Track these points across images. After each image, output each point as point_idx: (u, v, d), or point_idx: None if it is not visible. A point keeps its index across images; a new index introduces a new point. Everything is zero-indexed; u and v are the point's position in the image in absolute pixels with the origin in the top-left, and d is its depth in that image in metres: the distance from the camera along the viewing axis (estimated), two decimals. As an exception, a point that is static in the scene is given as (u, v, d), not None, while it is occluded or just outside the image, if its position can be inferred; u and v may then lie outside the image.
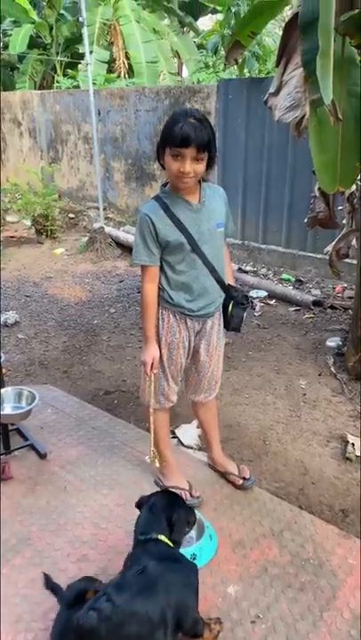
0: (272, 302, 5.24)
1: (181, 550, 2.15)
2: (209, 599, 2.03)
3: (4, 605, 1.98)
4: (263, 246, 6.25)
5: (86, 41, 6.70)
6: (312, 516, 2.48)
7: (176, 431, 3.17)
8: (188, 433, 3.19)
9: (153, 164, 7.22)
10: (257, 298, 5.24)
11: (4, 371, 3.90)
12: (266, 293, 5.33)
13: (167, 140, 2.00)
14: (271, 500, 2.56)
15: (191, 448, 3.08)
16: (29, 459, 2.82)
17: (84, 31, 6.64)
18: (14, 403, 2.72)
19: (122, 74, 12.13)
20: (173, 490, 2.48)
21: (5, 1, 12.52)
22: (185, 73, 15.01)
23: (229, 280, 2.43)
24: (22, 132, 9.19)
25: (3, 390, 2.70)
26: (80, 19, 6.56)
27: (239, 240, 6.41)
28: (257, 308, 5.01)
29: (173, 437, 3.13)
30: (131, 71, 12.01)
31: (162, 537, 1.80)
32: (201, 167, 2.04)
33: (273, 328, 4.68)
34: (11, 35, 12.43)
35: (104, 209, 7.58)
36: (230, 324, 2.43)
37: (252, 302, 2.50)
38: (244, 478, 2.63)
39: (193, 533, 2.30)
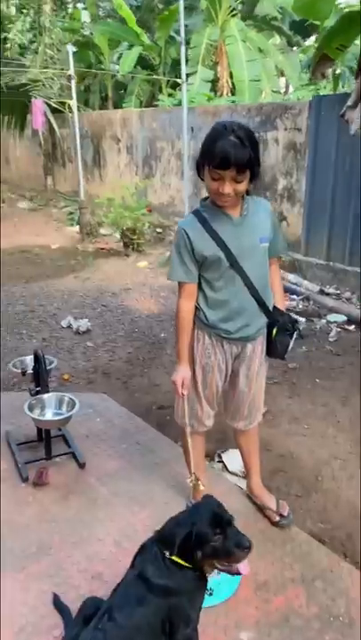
0: (351, 328, 4.92)
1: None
2: (219, 642, 1.88)
3: (12, 612, 1.97)
4: (349, 268, 5.92)
5: (183, 59, 6.82)
6: (352, 568, 2.23)
7: (223, 455, 3.04)
8: (235, 459, 3.03)
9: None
10: (334, 322, 4.95)
11: (66, 376, 4.03)
12: (345, 318, 5.02)
13: (206, 159, 1.91)
14: (308, 543, 2.35)
15: (236, 475, 2.93)
16: (68, 466, 2.83)
17: (182, 50, 6.77)
18: (55, 409, 2.75)
19: (224, 92, 12.24)
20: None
21: (120, 26, 13.24)
22: (291, 90, 14.87)
23: (278, 302, 2.28)
24: (120, 148, 9.54)
25: (46, 396, 2.73)
26: (178, 37, 6.70)
27: (324, 260, 6.13)
28: (332, 333, 4.73)
29: (219, 462, 3.01)
30: (234, 90, 12.10)
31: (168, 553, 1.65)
32: (241, 187, 1.94)
33: (347, 355, 4.38)
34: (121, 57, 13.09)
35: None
36: (274, 351, 2.27)
37: (299, 329, 2.32)
38: (281, 515, 2.44)
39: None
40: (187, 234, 2.05)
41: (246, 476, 2.63)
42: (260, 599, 2.05)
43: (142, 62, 14.13)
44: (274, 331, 2.22)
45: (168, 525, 1.71)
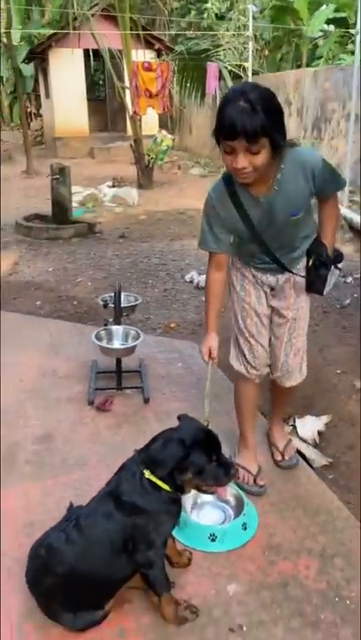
0: None
1: (204, 527, 1.98)
2: (203, 586, 1.79)
3: (28, 509, 2.13)
4: None
5: (359, 9, 6.24)
6: (388, 557, 1.93)
7: (297, 420, 2.84)
8: (308, 426, 2.83)
9: None
10: None
11: (172, 325, 4.12)
12: None
13: (217, 129, 1.69)
14: (347, 520, 2.09)
15: (306, 442, 2.72)
16: (134, 399, 2.91)
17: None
18: (122, 340, 2.84)
19: None
20: (240, 469, 2.27)
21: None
22: None
23: (325, 237, 2.04)
24: (291, 112, 9.17)
25: (114, 328, 2.83)
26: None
27: None
28: None
29: (292, 425, 2.82)
30: None
31: (148, 473, 1.62)
32: (260, 159, 1.68)
33: None
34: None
35: (351, 192, 7.06)
36: (312, 285, 2.08)
37: (336, 265, 2.07)
38: (283, 456, 2.41)
39: (231, 512, 2.09)
40: (214, 204, 1.93)
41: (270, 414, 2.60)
42: (266, 560, 1.90)
43: (340, 22, 13.25)
44: (310, 262, 2.02)
45: (157, 446, 1.66)
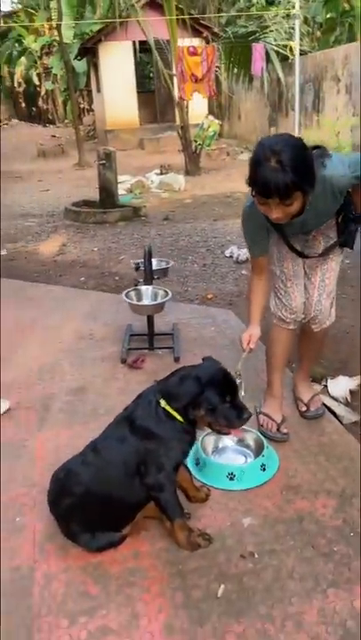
0: None
1: (223, 466, 2.02)
2: (218, 519, 1.83)
3: (57, 449, 2.23)
4: None
5: None
6: None
7: (329, 380, 2.82)
8: (340, 385, 2.80)
9: None
10: None
11: (210, 295, 4.17)
12: None
13: (251, 182, 1.79)
14: (369, 465, 2.07)
15: (337, 400, 2.70)
16: (165, 359, 2.98)
17: None
18: (151, 300, 2.92)
19: None
20: (264, 417, 2.30)
21: None
22: None
23: (358, 201, 2.08)
24: (339, 89, 8.93)
25: (144, 288, 2.91)
26: None
27: None
28: None
29: (324, 385, 2.80)
30: None
31: (163, 402, 1.68)
32: (292, 209, 1.80)
33: None
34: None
35: None
36: (344, 241, 2.16)
37: None
38: (307, 407, 2.44)
39: (252, 456, 2.13)
40: (248, 217, 2.07)
41: (296, 368, 2.62)
42: (283, 498, 1.91)
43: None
44: (339, 219, 2.10)
45: (175, 380, 1.72)
